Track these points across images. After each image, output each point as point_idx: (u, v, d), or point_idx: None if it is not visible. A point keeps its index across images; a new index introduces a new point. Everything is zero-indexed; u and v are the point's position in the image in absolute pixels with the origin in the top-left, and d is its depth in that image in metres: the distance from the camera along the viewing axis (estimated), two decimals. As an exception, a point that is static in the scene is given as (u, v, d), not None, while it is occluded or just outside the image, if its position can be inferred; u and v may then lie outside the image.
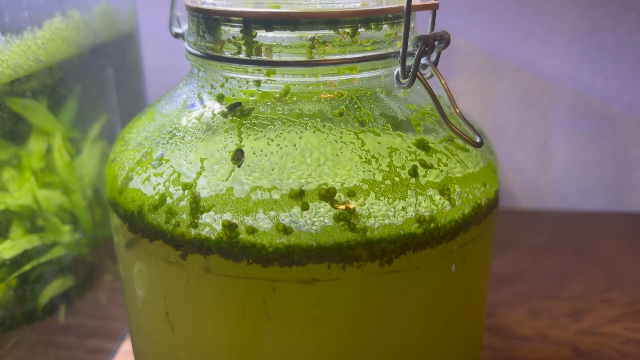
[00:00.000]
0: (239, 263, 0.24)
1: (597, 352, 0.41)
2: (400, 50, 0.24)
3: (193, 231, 0.24)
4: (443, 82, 0.27)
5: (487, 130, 0.59)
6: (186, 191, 0.24)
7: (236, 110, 0.25)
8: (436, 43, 0.26)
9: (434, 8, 0.26)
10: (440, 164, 0.25)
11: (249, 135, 0.25)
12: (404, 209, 0.24)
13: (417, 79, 0.25)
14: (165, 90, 0.31)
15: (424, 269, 0.25)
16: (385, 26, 0.25)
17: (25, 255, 0.34)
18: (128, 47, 0.47)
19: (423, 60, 0.27)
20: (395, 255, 0.24)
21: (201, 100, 0.27)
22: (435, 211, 0.24)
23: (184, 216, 0.24)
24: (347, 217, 0.23)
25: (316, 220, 0.23)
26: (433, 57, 0.27)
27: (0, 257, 0.32)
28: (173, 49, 0.54)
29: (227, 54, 0.25)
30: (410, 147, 0.25)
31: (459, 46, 0.57)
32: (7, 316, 0.33)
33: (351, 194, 0.23)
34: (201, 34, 0.26)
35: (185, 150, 0.25)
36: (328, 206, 0.23)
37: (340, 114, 0.25)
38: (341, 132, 0.25)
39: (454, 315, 0.27)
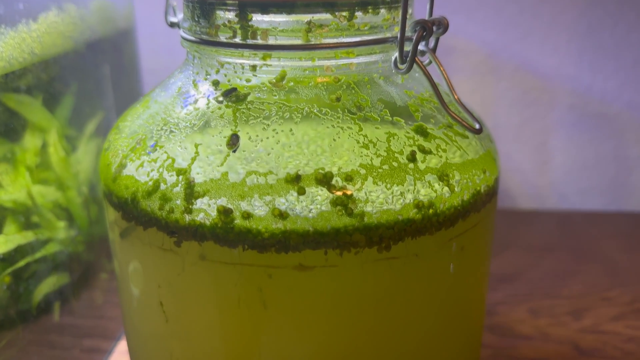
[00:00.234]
0: (234, 249, 0.23)
1: (599, 350, 0.40)
2: (398, 35, 0.24)
3: (187, 217, 0.23)
4: (442, 69, 0.26)
5: (486, 130, 0.58)
6: (180, 177, 0.24)
7: (231, 96, 0.25)
8: (434, 28, 0.25)
9: (432, -7, 0.26)
10: (439, 149, 0.25)
11: (245, 120, 0.24)
12: (402, 194, 0.23)
13: (415, 65, 0.25)
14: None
15: (423, 256, 0.24)
16: (382, 10, 0.25)
17: (20, 252, 0.34)
18: (125, 45, 0.47)
19: (421, 47, 0.27)
20: (393, 242, 0.23)
21: (196, 86, 0.26)
22: (434, 197, 0.24)
23: (178, 202, 0.23)
24: (344, 202, 0.23)
25: (313, 206, 0.23)
26: (431, 43, 0.27)
27: (-6, 252, 0.32)
28: (171, 50, 0.54)
29: (222, 38, 0.25)
30: (408, 133, 0.25)
31: (457, 46, 0.57)
32: (0, 314, 0.32)
33: (348, 178, 0.23)
34: (196, 19, 0.25)
35: (179, 136, 0.25)
36: (325, 191, 0.23)
37: (338, 99, 0.25)
38: (338, 117, 0.24)
39: (453, 306, 0.27)
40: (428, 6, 0.27)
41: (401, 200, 0.23)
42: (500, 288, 0.47)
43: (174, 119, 0.26)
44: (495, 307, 0.45)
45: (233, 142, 0.24)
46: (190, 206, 0.23)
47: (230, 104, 0.25)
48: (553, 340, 0.41)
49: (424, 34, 0.25)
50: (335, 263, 0.23)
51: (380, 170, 0.23)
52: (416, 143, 0.25)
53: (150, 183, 0.24)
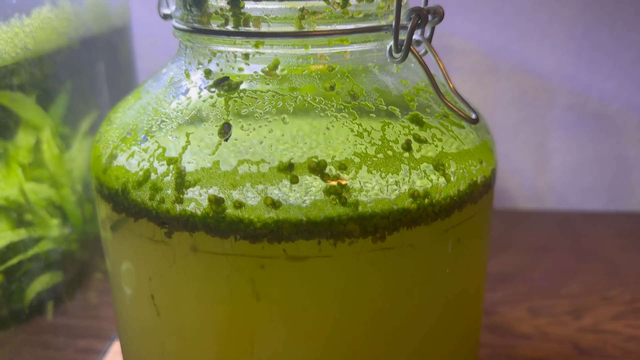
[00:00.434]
0: (226, 239, 0.23)
1: (599, 349, 0.40)
2: (393, 23, 0.24)
3: (178, 207, 0.23)
4: (437, 59, 0.26)
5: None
6: (171, 166, 0.23)
7: (224, 85, 0.25)
8: (430, 17, 0.25)
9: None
10: (434, 139, 0.24)
11: (237, 109, 0.24)
12: (397, 183, 0.23)
13: (410, 55, 0.25)
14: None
15: (418, 247, 0.24)
16: (376, -2, 0.24)
17: (12, 249, 0.33)
18: (120, 43, 0.46)
19: (417, 37, 0.27)
20: (388, 232, 0.23)
21: (188, 76, 0.26)
22: (429, 186, 0.23)
23: (169, 192, 0.23)
24: (338, 191, 0.22)
25: (306, 194, 0.22)
26: (427, 33, 0.27)
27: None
28: (167, 50, 0.53)
29: (215, 26, 0.24)
30: (403, 122, 0.24)
31: (455, 46, 0.57)
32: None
33: (342, 167, 0.23)
34: (188, 7, 0.25)
35: (170, 126, 0.25)
36: (318, 179, 0.22)
37: (332, 88, 0.24)
38: (332, 106, 0.24)
39: (450, 300, 0.26)
40: (423, -5, 0.26)
41: (396, 190, 0.23)
42: (499, 288, 0.47)
43: (165, 108, 0.25)
44: (494, 306, 0.44)
45: (225, 130, 0.24)
46: (181, 196, 0.23)
47: (222, 92, 0.25)
48: (552, 340, 0.41)
49: (419, 22, 0.24)
50: (329, 253, 0.23)
51: (374, 159, 0.23)
52: (411, 132, 0.24)
53: (141, 173, 0.24)
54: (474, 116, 0.25)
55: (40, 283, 0.36)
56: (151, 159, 0.24)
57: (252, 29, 0.24)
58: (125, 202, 0.24)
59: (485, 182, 0.26)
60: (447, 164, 0.24)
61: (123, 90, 0.47)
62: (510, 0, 0.55)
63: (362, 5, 0.24)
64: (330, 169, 0.23)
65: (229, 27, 0.24)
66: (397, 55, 0.25)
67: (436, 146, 0.24)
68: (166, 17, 0.30)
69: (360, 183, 0.23)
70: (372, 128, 0.24)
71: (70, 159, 0.39)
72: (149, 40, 0.54)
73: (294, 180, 0.22)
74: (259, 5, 0.24)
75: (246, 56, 0.25)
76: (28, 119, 0.35)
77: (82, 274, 0.41)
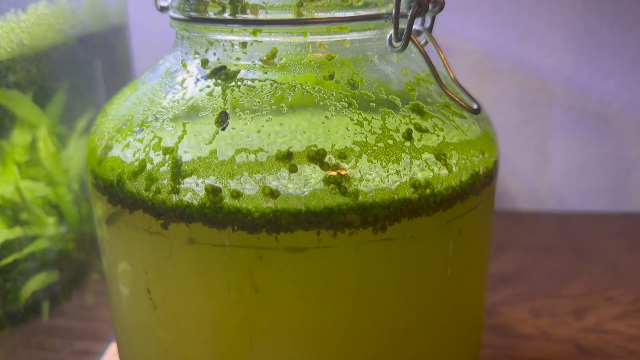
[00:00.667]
0: (223, 230, 0.22)
1: (602, 349, 0.39)
2: (393, 10, 0.23)
3: (174, 197, 0.22)
4: (438, 49, 0.26)
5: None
6: (167, 155, 0.23)
7: (221, 74, 0.24)
8: (430, 6, 0.25)
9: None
10: (436, 128, 0.24)
11: (234, 98, 0.24)
12: (398, 172, 0.23)
13: (411, 44, 0.24)
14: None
15: (420, 238, 0.23)
16: (376, -15, 0.24)
17: (7, 247, 0.33)
18: (118, 42, 0.46)
19: (418, 27, 0.26)
20: (389, 222, 0.22)
21: (185, 66, 0.26)
22: (431, 176, 0.23)
23: (165, 182, 0.23)
24: (337, 180, 0.22)
25: (305, 184, 0.22)
26: (427, 23, 0.27)
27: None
28: (165, 50, 0.53)
29: (211, 14, 0.24)
30: (404, 111, 0.24)
31: (454, 46, 0.57)
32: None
33: (342, 155, 0.22)
34: (185, -4, 0.25)
35: (166, 115, 0.24)
36: (317, 168, 0.22)
37: (331, 77, 0.24)
38: (331, 95, 0.24)
39: (451, 294, 0.26)
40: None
41: (397, 179, 0.22)
42: (500, 288, 0.46)
43: (161, 98, 0.25)
44: (496, 307, 0.44)
45: (222, 119, 0.23)
46: (178, 186, 0.22)
47: (219, 82, 0.24)
48: (555, 340, 0.40)
49: (419, 10, 0.24)
50: (329, 244, 0.22)
51: (375, 147, 0.23)
52: (412, 121, 0.24)
53: (136, 163, 0.23)
54: (475, 106, 0.25)
55: (36, 282, 0.35)
56: (147, 149, 0.23)
57: (249, 16, 0.23)
58: (120, 194, 0.24)
59: (487, 173, 0.25)
60: (448, 154, 0.24)
61: (120, 89, 0.47)
62: (509, 0, 0.55)
63: (362, -7, 0.24)
64: (330, 158, 0.22)
65: (226, 15, 0.24)
66: (397, 45, 0.24)
67: (437, 136, 0.24)
68: (163, 9, 0.30)
69: (360, 172, 0.22)
70: (372, 117, 0.23)
71: (67, 158, 0.39)
72: (146, 39, 0.53)
73: (293, 169, 0.22)
74: (257, -8, 0.23)
75: (244, 45, 0.24)
76: (24, 117, 0.35)
77: (78, 274, 0.40)
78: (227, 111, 0.23)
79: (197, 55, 0.25)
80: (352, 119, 0.23)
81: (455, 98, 0.24)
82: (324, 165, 0.22)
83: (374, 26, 0.24)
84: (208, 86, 0.24)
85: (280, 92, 0.24)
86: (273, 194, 0.22)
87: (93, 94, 0.42)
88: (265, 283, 0.23)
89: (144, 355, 0.27)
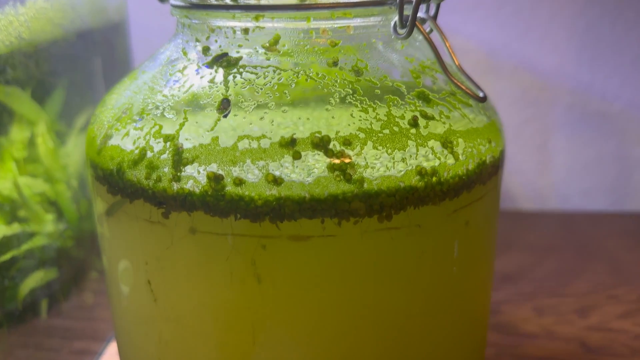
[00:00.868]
0: (225, 219, 0.22)
1: (607, 347, 0.39)
2: (398, -4, 0.23)
3: (175, 185, 0.22)
4: (443, 37, 0.25)
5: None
6: (168, 143, 0.22)
7: (222, 61, 0.24)
8: (435, -7, 0.24)
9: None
10: (442, 116, 0.24)
11: (236, 85, 0.23)
12: (403, 160, 0.22)
13: (415, 32, 0.24)
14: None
15: (426, 227, 0.23)
16: (381, -29, 0.24)
17: (5, 244, 0.32)
18: (117, 39, 0.46)
19: (423, 15, 0.26)
20: (394, 211, 0.22)
21: (186, 54, 0.25)
22: (437, 164, 0.23)
23: (166, 169, 0.22)
24: (342, 167, 0.21)
25: (309, 171, 0.21)
26: (432, 11, 0.26)
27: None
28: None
29: (213, 0, 0.23)
30: (410, 98, 0.24)
31: (455, 45, 0.56)
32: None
33: (347, 142, 0.22)
34: (186, -18, 0.24)
35: (167, 103, 0.24)
36: (322, 155, 0.22)
37: (335, 63, 0.24)
38: (335, 81, 0.23)
39: (457, 285, 0.25)
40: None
41: (403, 167, 0.22)
42: (503, 287, 0.46)
43: (162, 86, 0.24)
44: (499, 306, 0.43)
45: (224, 106, 0.23)
46: (179, 173, 0.22)
47: (221, 69, 0.24)
48: (559, 338, 0.40)
49: (425, -4, 0.24)
50: (333, 233, 0.22)
51: (380, 134, 0.22)
52: (418, 108, 0.23)
53: (137, 151, 0.23)
54: (481, 94, 0.24)
55: (34, 280, 0.35)
56: (147, 137, 0.23)
57: (251, 1, 0.23)
58: (120, 183, 0.23)
59: (494, 162, 0.25)
60: (455, 142, 0.23)
61: (120, 85, 0.46)
62: (510, -1, 0.55)
63: (366, -22, 0.23)
64: (335, 145, 0.22)
65: (228, 0, 0.23)
66: (402, 32, 0.24)
67: (444, 123, 0.23)
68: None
69: (365, 159, 0.22)
70: (377, 104, 0.23)
71: (66, 155, 0.38)
72: (146, 36, 0.53)
73: (297, 156, 0.21)
74: (260, -22, 0.23)
75: (246, 31, 0.24)
76: (23, 113, 0.34)
77: (77, 272, 0.40)
78: (229, 98, 0.23)
79: (198, 43, 0.25)
80: (356, 106, 0.23)
81: (462, 86, 0.24)
82: (328, 152, 0.22)
83: (378, 12, 0.24)
84: (210, 73, 0.24)
85: (283, 79, 0.23)
86: (276, 181, 0.21)
87: (92, 91, 0.42)
88: (268, 273, 0.22)
89: (145, 349, 0.26)
